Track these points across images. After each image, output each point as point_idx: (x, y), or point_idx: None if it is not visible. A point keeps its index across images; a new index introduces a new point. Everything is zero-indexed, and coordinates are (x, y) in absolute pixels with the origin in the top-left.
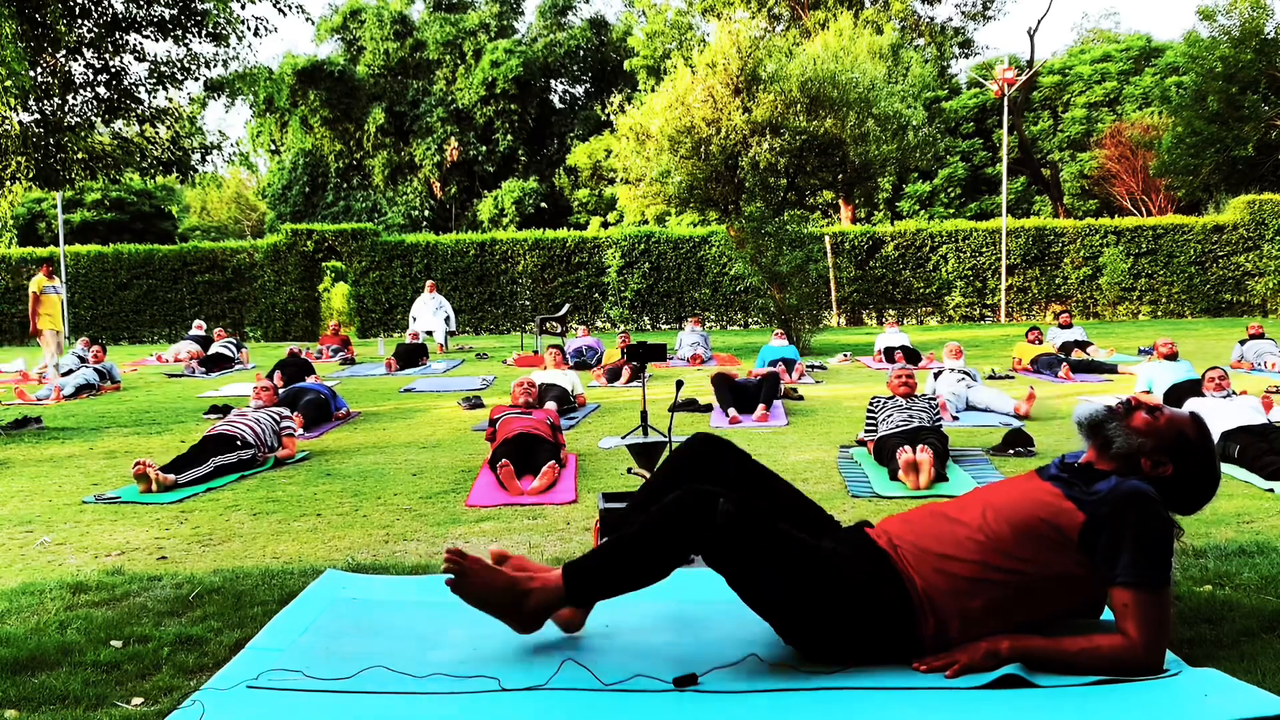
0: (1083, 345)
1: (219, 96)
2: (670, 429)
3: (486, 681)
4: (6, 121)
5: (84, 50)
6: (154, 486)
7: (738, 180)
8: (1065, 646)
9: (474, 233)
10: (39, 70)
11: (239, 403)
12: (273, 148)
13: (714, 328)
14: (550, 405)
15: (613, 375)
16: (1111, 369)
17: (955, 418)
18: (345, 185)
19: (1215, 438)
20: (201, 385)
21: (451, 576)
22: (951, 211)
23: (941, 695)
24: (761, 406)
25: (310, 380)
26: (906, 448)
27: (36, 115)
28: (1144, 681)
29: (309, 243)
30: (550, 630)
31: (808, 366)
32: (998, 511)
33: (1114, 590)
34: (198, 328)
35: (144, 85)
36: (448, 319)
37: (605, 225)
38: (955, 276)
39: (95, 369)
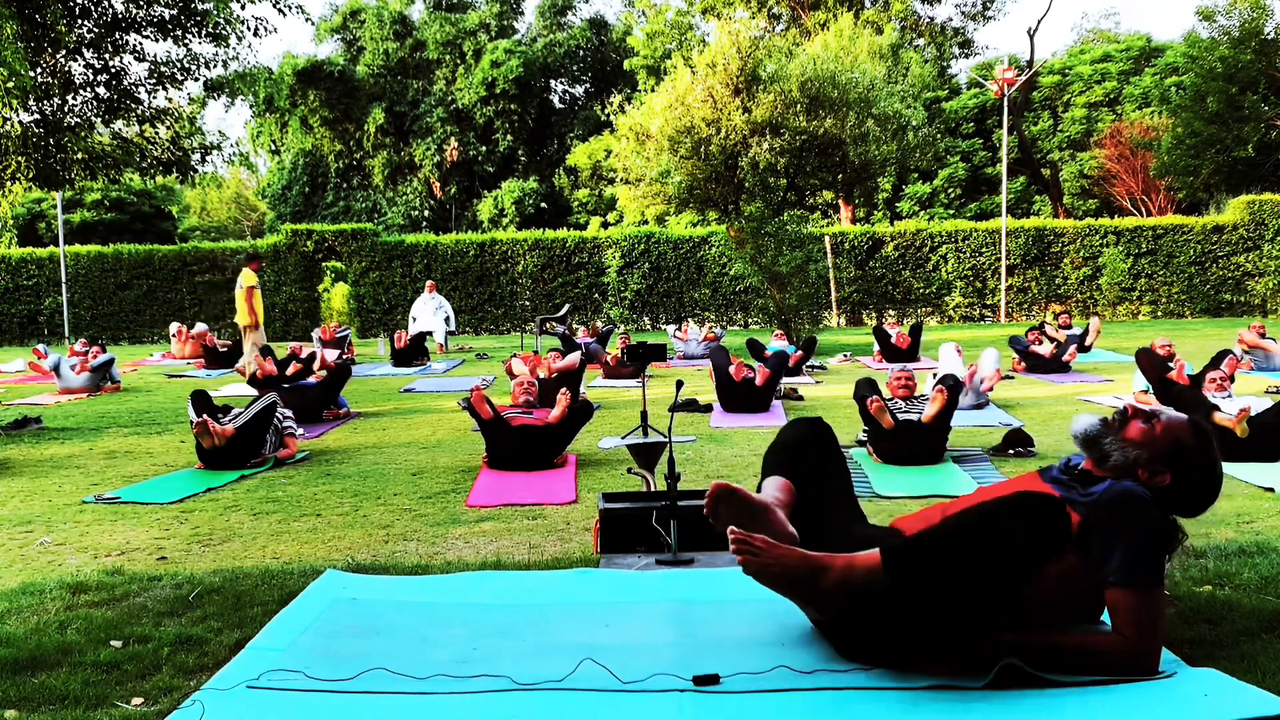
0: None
1: (219, 96)
2: (670, 429)
3: (499, 680)
4: (7, 122)
5: (84, 50)
6: (216, 441)
7: (738, 180)
8: (1060, 643)
9: (474, 233)
10: (39, 70)
11: (239, 402)
12: (273, 148)
13: (714, 327)
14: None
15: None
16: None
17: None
18: (345, 185)
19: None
20: (201, 385)
21: (743, 558)
22: (951, 212)
23: (942, 695)
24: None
25: (311, 380)
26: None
27: (36, 115)
28: (1144, 681)
29: (309, 243)
30: (552, 630)
31: (808, 366)
32: None
33: (1107, 590)
34: (202, 337)
35: (144, 85)
36: (447, 319)
37: (605, 225)
38: (955, 277)
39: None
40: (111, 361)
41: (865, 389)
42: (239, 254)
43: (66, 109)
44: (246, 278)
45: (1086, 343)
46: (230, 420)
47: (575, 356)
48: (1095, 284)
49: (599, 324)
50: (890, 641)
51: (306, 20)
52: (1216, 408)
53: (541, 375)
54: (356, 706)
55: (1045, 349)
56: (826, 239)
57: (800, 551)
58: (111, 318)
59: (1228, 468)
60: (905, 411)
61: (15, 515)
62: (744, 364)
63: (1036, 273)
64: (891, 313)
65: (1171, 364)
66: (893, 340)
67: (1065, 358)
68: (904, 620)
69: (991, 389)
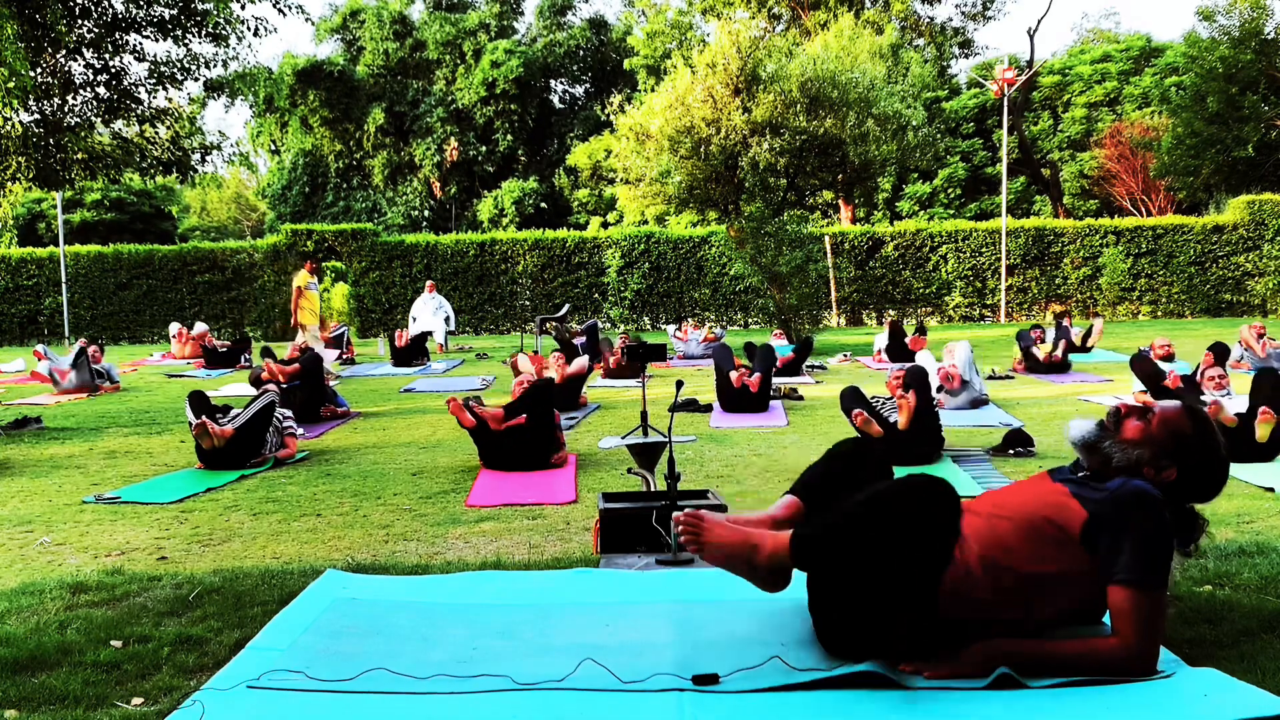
0: (1075, 346)
1: (219, 96)
2: (670, 429)
3: (499, 680)
4: (7, 122)
5: (84, 50)
6: (215, 442)
7: (738, 180)
8: (1058, 649)
9: (474, 233)
10: (39, 70)
11: (238, 403)
12: (273, 148)
13: (714, 328)
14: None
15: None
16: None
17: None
18: (345, 185)
19: None
20: (201, 385)
21: (686, 538)
22: (951, 212)
23: (942, 695)
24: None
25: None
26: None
27: (36, 115)
28: (1143, 681)
29: (309, 243)
30: (552, 630)
31: (808, 366)
32: (1004, 510)
33: (1112, 588)
34: (202, 338)
35: (144, 85)
36: (447, 319)
37: (605, 225)
38: (955, 276)
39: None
40: (83, 352)
41: (850, 401)
42: (239, 254)
43: (66, 109)
44: (298, 278)
45: (1089, 344)
46: (229, 420)
47: (584, 361)
48: (1095, 284)
49: (575, 327)
50: (863, 638)
51: (306, 20)
52: (1220, 408)
53: (552, 376)
54: (357, 706)
55: (1041, 353)
56: (826, 239)
57: (740, 529)
58: (111, 318)
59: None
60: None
61: (15, 515)
62: (746, 368)
63: (1036, 273)
64: (891, 312)
65: (1165, 372)
66: (910, 341)
67: (1052, 358)
68: (831, 604)
69: (956, 388)
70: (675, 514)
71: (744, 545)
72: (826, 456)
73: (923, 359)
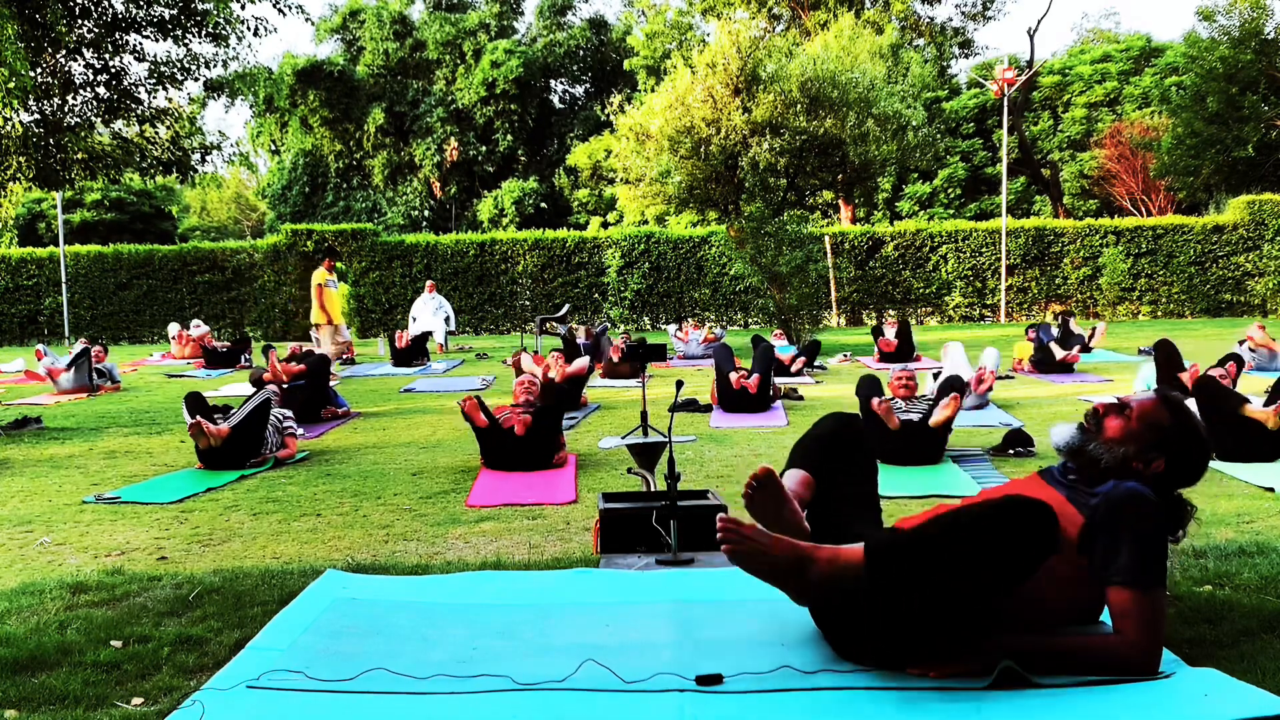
0: (1085, 346)
1: (219, 96)
2: (670, 429)
3: (499, 680)
4: (8, 122)
5: (84, 50)
6: (211, 442)
7: (738, 180)
8: (1060, 646)
9: (474, 233)
10: (39, 70)
11: (238, 402)
12: (273, 148)
13: (714, 328)
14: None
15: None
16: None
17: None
18: (345, 185)
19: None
20: (201, 385)
21: (728, 546)
22: (951, 212)
23: (944, 695)
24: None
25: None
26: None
27: (36, 115)
28: (1143, 681)
29: (309, 243)
30: (552, 630)
31: (808, 367)
32: None
33: (1110, 590)
34: (202, 338)
35: (144, 85)
36: (447, 319)
37: (605, 225)
38: (955, 277)
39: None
40: (85, 352)
41: (869, 389)
42: (239, 254)
43: (66, 109)
44: (317, 275)
45: (1091, 344)
46: (226, 420)
47: (584, 361)
48: (1095, 284)
49: (593, 328)
50: (883, 642)
51: (306, 20)
52: (1246, 400)
53: (554, 377)
54: (357, 706)
55: (1059, 353)
56: (826, 239)
57: (788, 541)
58: (111, 318)
59: (1229, 467)
60: (905, 411)
61: (15, 515)
62: (745, 370)
63: (1036, 273)
64: (891, 312)
65: (1186, 365)
66: (879, 342)
67: (1069, 358)
68: (886, 619)
69: (990, 388)
70: (719, 515)
71: (793, 559)
72: (818, 432)
73: (955, 358)
